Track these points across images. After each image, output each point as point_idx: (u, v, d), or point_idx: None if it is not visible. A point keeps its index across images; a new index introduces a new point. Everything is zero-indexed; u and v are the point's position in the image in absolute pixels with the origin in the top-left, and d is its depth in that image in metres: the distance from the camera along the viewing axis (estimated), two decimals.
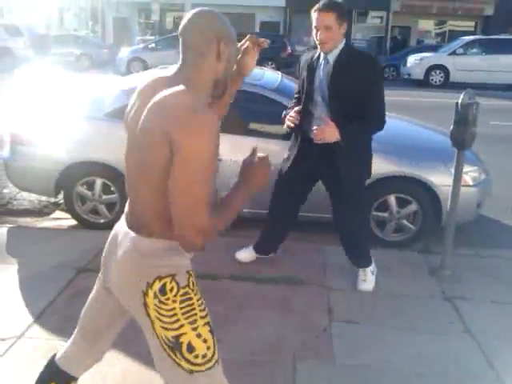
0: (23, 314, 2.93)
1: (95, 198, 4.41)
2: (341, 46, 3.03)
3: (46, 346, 2.64)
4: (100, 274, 1.75)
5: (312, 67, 3.14)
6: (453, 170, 3.78)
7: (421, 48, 21.18)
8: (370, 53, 3.38)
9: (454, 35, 23.63)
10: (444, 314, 3.06)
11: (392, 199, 4.33)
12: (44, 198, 5.14)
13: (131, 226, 1.58)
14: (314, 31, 3.01)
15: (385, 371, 2.50)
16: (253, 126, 4.69)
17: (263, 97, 4.46)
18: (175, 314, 1.52)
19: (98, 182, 4.38)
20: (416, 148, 4.56)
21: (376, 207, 4.35)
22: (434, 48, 20.05)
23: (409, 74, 18.03)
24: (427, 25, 29.98)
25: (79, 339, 1.84)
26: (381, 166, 4.09)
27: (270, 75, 5.11)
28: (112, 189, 4.39)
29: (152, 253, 1.52)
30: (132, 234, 1.56)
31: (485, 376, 2.51)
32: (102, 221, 4.47)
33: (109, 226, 4.06)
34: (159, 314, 1.52)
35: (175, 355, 1.53)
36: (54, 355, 1.91)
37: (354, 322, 2.90)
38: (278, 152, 3.81)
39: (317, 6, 2.94)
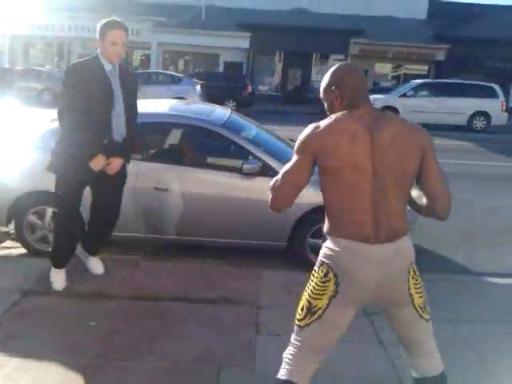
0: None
1: (45, 226, 4.58)
2: None
3: None
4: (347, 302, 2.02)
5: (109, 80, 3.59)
6: None
7: (375, 90, 22.23)
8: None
9: (408, 78, 24.89)
10: (361, 327, 3.35)
11: None
12: None
13: (389, 238, 1.99)
14: (109, 45, 3.51)
15: None
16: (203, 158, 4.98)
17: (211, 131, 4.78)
18: (421, 285, 2.12)
19: (49, 210, 4.57)
20: None
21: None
22: (387, 90, 21.11)
23: None
24: (384, 68, 31.49)
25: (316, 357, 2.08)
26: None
27: (218, 111, 5.47)
28: None
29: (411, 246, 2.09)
30: (399, 242, 2.01)
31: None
32: (49, 249, 4.63)
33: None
34: (415, 288, 2.06)
35: (423, 313, 2.09)
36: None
37: (276, 335, 3.16)
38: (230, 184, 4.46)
39: (115, 23, 3.51)
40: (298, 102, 25.30)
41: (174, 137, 5.12)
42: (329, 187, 2.02)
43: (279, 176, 2.07)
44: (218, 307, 3.58)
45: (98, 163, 3.52)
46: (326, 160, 1.96)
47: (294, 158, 2.04)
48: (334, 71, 2.13)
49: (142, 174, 4.54)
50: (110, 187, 3.78)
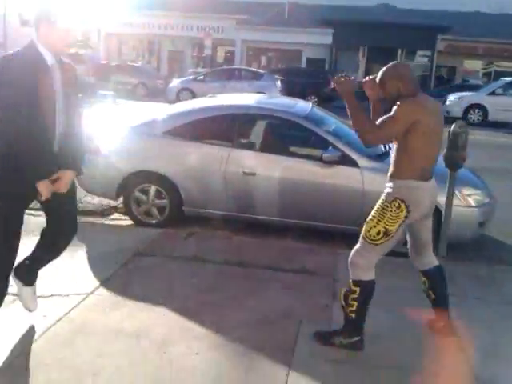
0: (93, 278, 3.81)
1: (149, 201, 5.28)
2: None
3: (109, 301, 3.49)
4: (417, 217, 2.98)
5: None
6: (458, 192, 4.47)
7: (463, 86, 21.64)
8: None
9: (500, 76, 23.92)
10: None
11: None
12: (106, 202, 6.06)
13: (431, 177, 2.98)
14: (63, 28, 2.73)
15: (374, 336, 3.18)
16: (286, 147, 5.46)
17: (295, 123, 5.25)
18: None
19: (153, 188, 5.26)
20: None
21: None
22: (476, 88, 20.50)
23: (448, 112, 18.54)
24: (474, 65, 30.40)
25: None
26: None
27: (301, 105, 5.92)
28: (163, 195, 5.25)
29: None
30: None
31: None
32: (153, 221, 5.32)
33: (158, 225, 4.93)
34: None
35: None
36: None
37: None
38: (310, 171, 4.92)
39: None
40: (381, 99, 25.03)
41: (261, 127, 5.62)
42: (417, 145, 2.84)
43: (382, 125, 2.86)
44: (298, 276, 4.07)
45: (46, 190, 2.76)
46: (421, 126, 2.80)
47: (397, 120, 2.83)
48: (393, 68, 3.05)
49: (231, 160, 5.10)
50: (64, 200, 2.96)
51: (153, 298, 3.54)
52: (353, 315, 3.01)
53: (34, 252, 3.11)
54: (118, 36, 33.20)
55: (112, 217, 5.79)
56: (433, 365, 2.97)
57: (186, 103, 6.67)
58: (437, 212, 4.80)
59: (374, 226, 2.90)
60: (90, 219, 5.56)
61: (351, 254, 3.03)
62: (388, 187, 2.95)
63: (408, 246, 3.26)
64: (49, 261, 3.17)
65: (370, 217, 2.97)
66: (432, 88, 27.21)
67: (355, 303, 2.98)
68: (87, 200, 6.21)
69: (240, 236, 5.02)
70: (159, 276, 3.95)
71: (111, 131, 5.57)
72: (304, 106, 5.92)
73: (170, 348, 2.99)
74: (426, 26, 27.03)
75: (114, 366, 2.80)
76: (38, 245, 3.11)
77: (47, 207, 2.99)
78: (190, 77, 20.99)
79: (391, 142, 2.99)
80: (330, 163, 4.94)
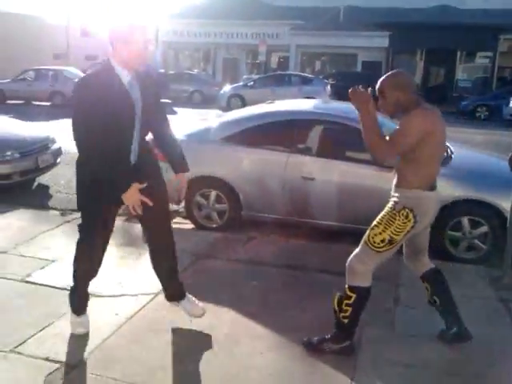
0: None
1: (210, 206, 5.44)
2: None
3: None
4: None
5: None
6: None
7: None
8: None
9: None
10: (495, 312, 3.61)
11: (465, 221, 4.90)
12: None
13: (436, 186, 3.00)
14: (139, 47, 2.79)
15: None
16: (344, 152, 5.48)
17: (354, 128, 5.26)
18: None
19: (213, 193, 5.41)
20: (487, 175, 5.13)
21: (450, 227, 4.93)
22: None
23: (511, 115, 17.86)
24: None
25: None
26: (455, 190, 4.73)
27: None
28: (223, 200, 5.39)
29: None
30: None
31: None
32: (213, 225, 5.48)
33: (218, 229, 5.07)
34: None
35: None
36: None
37: (412, 307, 3.58)
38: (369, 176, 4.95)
39: (141, 20, 2.81)
40: (440, 101, 24.44)
41: (320, 132, 5.65)
42: (426, 155, 2.83)
43: (393, 141, 2.82)
44: None
45: (131, 200, 2.80)
46: (432, 137, 2.79)
47: (408, 135, 2.79)
48: (393, 76, 2.93)
49: (290, 165, 5.18)
50: (155, 217, 3.04)
51: (217, 299, 3.66)
52: (345, 321, 2.98)
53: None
54: (175, 45, 34.13)
55: (174, 221, 5.98)
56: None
57: (244, 110, 6.81)
58: (499, 217, 4.72)
59: (380, 234, 2.88)
60: None
61: (350, 258, 2.99)
62: (395, 196, 2.92)
63: (404, 250, 3.23)
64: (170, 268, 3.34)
65: (374, 223, 2.94)
66: (494, 90, 26.25)
67: (349, 309, 2.95)
68: None
69: (299, 240, 5.08)
70: (221, 278, 4.08)
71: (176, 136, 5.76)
72: None
73: (236, 347, 3.09)
74: (487, 26, 26.12)
75: (180, 363, 2.93)
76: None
77: (143, 221, 3.12)
78: (241, 83, 21.28)
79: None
80: (390, 168, 4.91)
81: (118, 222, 5.58)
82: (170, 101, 19.95)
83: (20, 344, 3.04)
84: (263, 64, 28.76)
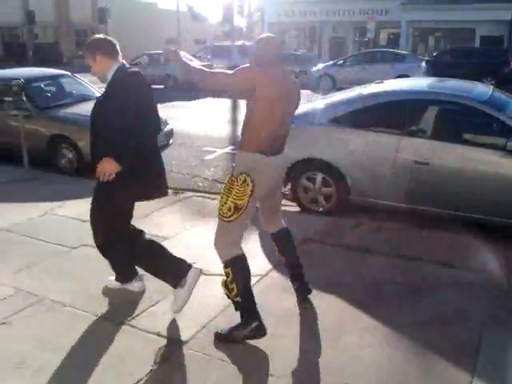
0: (266, 261, 4.01)
1: (316, 189, 5.33)
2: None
3: (282, 284, 3.61)
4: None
5: None
6: None
7: None
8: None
9: None
10: None
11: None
12: None
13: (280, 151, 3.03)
14: None
15: None
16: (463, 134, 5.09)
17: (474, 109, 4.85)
18: None
19: (319, 176, 5.30)
20: None
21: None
22: None
23: None
24: None
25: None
26: None
27: (480, 88, 5.45)
28: (330, 183, 5.26)
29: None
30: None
31: None
32: (319, 209, 5.37)
33: (324, 213, 4.96)
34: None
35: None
36: None
37: None
38: (490, 161, 4.53)
39: None
40: None
41: (435, 113, 5.28)
42: (258, 117, 2.87)
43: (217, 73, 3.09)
44: (472, 273, 3.79)
45: None
46: (262, 92, 2.82)
47: (234, 76, 2.91)
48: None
49: (402, 148, 4.90)
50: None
51: (323, 285, 3.58)
52: (238, 299, 2.92)
53: None
54: (280, 25, 34.01)
55: None
56: None
57: (352, 90, 6.57)
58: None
59: (225, 203, 2.88)
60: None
61: (214, 237, 2.99)
62: (235, 161, 2.98)
63: (259, 212, 3.29)
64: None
65: (221, 194, 2.97)
66: None
67: (234, 286, 2.90)
68: None
69: (410, 228, 4.81)
70: (328, 263, 3.98)
71: None
72: (483, 89, 5.44)
73: (343, 337, 3.00)
74: None
75: (287, 348, 2.90)
76: None
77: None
78: (330, 62, 20.66)
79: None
80: None
81: None
82: None
83: (134, 317, 3.19)
84: (371, 42, 27.73)
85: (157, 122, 3.21)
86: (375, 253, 4.17)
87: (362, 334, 3.02)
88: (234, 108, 14.45)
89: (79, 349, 2.89)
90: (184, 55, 20.24)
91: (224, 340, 2.95)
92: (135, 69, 3.24)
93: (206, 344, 2.93)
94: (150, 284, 3.44)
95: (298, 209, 5.49)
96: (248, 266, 2.96)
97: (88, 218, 3.62)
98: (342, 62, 19.96)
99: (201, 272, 3.29)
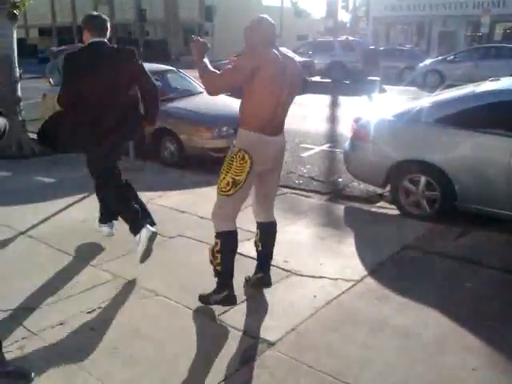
0: (361, 266, 3.81)
1: (419, 192, 5.02)
2: None
3: (378, 292, 3.42)
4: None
5: None
6: None
7: None
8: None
9: None
10: None
11: None
12: (371, 189, 6.04)
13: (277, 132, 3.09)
14: None
15: None
16: None
17: None
18: None
19: (423, 179, 4.98)
20: None
21: None
22: None
23: None
24: None
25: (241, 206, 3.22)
26: None
27: None
28: (434, 186, 4.92)
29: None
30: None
31: None
32: (421, 213, 5.04)
33: (426, 218, 4.66)
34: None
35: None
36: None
37: None
38: None
39: None
40: None
41: None
42: (254, 96, 2.95)
43: (222, 74, 2.97)
44: None
45: None
46: (260, 73, 2.87)
47: (235, 68, 2.94)
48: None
49: None
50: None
51: (422, 297, 3.33)
52: (219, 268, 3.11)
53: None
54: (386, 19, 32.91)
55: (378, 204, 5.72)
56: None
57: (462, 88, 6.11)
58: None
59: (224, 178, 3.02)
60: (356, 205, 5.60)
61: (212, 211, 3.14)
62: (237, 137, 3.04)
63: (253, 196, 3.33)
64: None
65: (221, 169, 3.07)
66: None
67: (219, 255, 3.08)
68: (353, 185, 6.28)
69: None
70: (429, 273, 3.71)
71: (379, 117, 5.45)
72: None
73: (441, 356, 2.75)
74: None
75: (381, 362, 2.71)
76: None
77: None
78: (439, 57, 19.45)
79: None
80: None
81: (320, 202, 5.59)
82: (378, 78, 19.32)
83: (222, 313, 3.17)
84: (485, 36, 25.91)
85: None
86: (482, 265, 3.81)
87: (464, 355, 2.75)
88: (333, 105, 14.21)
89: (169, 340, 2.91)
90: (286, 51, 20.30)
91: (201, 300, 3.21)
92: (113, 45, 3.83)
93: (295, 348, 2.83)
94: (237, 283, 3.40)
95: (397, 212, 5.21)
96: (236, 243, 3.15)
97: (186, 209, 3.68)
98: (452, 57, 18.82)
99: (154, 234, 3.67)
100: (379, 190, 5.88)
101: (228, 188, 3.02)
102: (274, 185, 3.32)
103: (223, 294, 3.12)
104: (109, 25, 3.80)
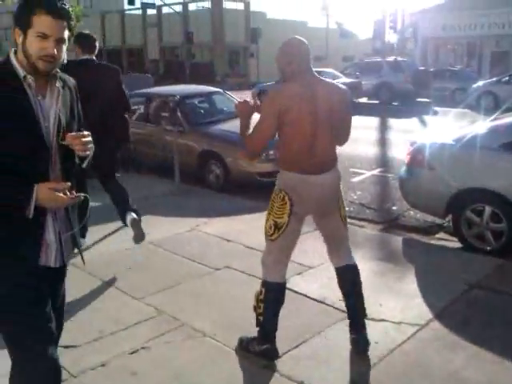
0: (426, 308, 3.46)
1: (483, 224, 4.62)
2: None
3: (447, 338, 3.07)
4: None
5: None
6: None
7: None
8: None
9: None
10: None
11: None
12: (430, 219, 5.64)
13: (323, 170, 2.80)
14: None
15: None
16: None
17: None
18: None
19: (488, 209, 4.59)
20: None
21: None
22: None
23: None
24: None
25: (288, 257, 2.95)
26: None
27: None
28: (500, 218, 4.52)
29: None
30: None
31: None
32: (486, 247, 4.64)
33: (491, 253, 4.27)
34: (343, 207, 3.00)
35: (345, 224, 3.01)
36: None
37: None
38: None
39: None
40: None
41: None
42: (286, 134, 2.76)
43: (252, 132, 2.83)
44: None
45: None
46: (288, 114, 2.70)
47: (264, 119, 2.77)
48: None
49: None
50: None
51: (496, 346, 2.96)
52: (261, 318, 2.88)
53: None
54: (435, 40, 32.26)
55: (437, 236, 5.34)
56: None
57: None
58: None
59: (267, 221, 2.85)
60: (414, 236, 5.23)
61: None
62: (277, 177, 2.88)
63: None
64: None
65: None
66: None
67: (262, 305, 2.86)
68: (410, 215, 5.91)
69: None
70: (503, 317, 3.32)
71: (436, 143, 5.10)
72: None
73: None
74: None
75: None
76: None
77: None
78: (494, 79, 18.67)
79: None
80: None
81: (374, 232, 5.25)
82: (429, 100, 18.78)
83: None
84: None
85: None
86: None
87: None
88: (383, 127, 13.83)
89: None
90: (333, 73, 20.21)
91: (240, 345, 2.98)
92: (100, 61, 4.60)
93: None
94: (288, 324, 3.12)
95: (459, 245, 4.82)
96: (282, 297, 2.90)
97: (232, 238, 3.46)
98: (507, 78, 18.07)
99: (136, 220, 4.27)
100: (438, 220, 5.49)
101: (271, 232, 2.82)
102: (338, 226, 2.97)
103: (264, 346, 2.86)
104: (97, 44, 4.54)
